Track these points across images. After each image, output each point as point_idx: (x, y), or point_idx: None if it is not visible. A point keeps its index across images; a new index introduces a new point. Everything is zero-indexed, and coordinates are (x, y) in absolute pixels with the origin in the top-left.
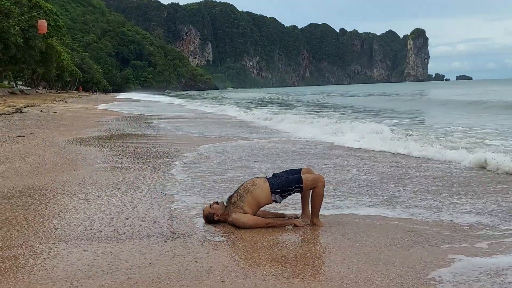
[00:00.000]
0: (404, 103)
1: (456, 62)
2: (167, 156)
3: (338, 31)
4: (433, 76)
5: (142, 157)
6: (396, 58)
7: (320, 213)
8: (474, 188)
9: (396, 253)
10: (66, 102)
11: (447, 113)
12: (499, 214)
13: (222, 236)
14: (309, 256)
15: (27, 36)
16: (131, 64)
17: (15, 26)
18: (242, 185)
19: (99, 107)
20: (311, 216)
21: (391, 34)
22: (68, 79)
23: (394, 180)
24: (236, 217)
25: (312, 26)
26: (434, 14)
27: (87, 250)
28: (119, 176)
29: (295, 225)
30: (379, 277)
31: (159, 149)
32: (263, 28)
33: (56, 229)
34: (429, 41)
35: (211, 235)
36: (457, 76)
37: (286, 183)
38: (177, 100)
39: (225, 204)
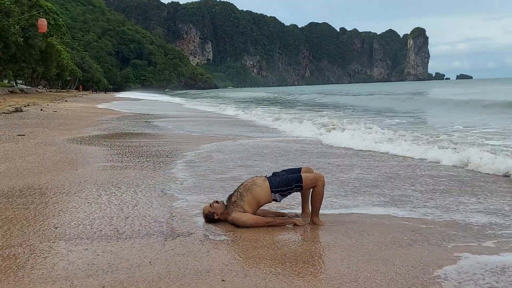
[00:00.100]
0: (405, 103)
1: (456, 61)
2: (167, 155)
3: (338, 30)
4: (433, 75)
5: (142, 156)
6: (396, 57)
7: (327, 212)
8: (483, 187)
9: (397, 252)
10: (66, 101)
11: (448, 113)
12: (510, 214)
13: (222, 235)
14: (309, 255)
15: (27, 35)
16: (131, 63)
17: (15, 25)
18: (242, 184)
19: (99, 106)
20: (311, 215)
21: (391, 33)
22: (68, 78)
23: (400, 180)
24: (236, 216)
25: (312, 25)
26: (434, 13)
27: (87, 249)
28: (119, 175)
29: (295, 224)
30: (379, 276)
31: (160, 148)
32: (263, 27)
33: (56, 228)
34: (429, 40)
35: (211, 234)
36: (457, 75)
37: (286, 182)
38: (177, 99)
39: (225, 203)
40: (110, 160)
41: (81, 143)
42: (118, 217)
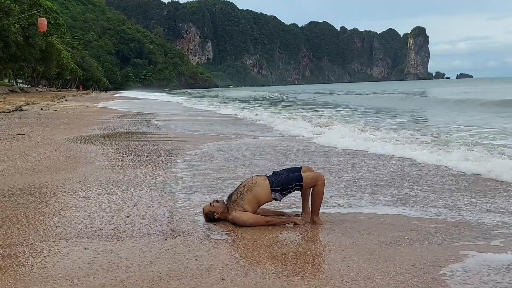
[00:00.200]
0: (406, 102)
1: (457, 60)
2: (167, 155)
3: (338, 29)
4: (433, 75)
5: (143, 155)
6: (397, 56)
7: (335, 211)
8: (491, 187)
9: (396, 251)
10: (66, 100)
11: (451, 112)
12: None
13: (222, 234)
14: (309, 254)
15: (27, 34)
16: (131, 62)
17: (15, 24)
18: (242, 183)
19: (100, 105)
20: (311, 214)
21: (391, 32)
22: (68, 77)
23: (406, 179)
24: (236, 215)
25: (312, 24)
26: (435, 13)
27: (87, 248)
28: (120, 174)
29: (295, 223)
30: (379, 275)
31: (161, 147)
32: (263, 26)
33: (56, 227)
34: (430, 39)
35: (211, 233)
36: (457, 75)
37: (286, 181)
38: (176, 99)
39: (225, 202)
40: (110, 159)
41: (81, 142)
42: (118, 216)
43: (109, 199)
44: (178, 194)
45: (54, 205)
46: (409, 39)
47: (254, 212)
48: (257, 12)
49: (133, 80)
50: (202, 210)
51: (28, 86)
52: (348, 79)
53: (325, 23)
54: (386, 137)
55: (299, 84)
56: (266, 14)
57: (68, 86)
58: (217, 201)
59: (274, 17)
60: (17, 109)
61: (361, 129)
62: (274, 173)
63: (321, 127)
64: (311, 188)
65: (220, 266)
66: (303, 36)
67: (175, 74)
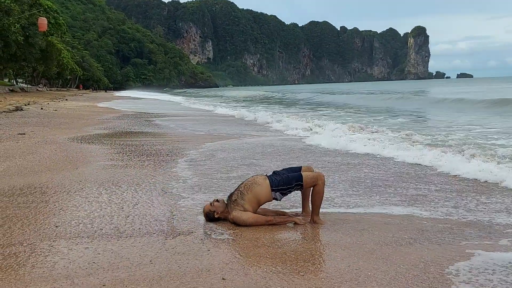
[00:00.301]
0: (407, 102)
1: (457, 60)
2: (167, 154)
3: (338, 29)
4: (433, 74)
5: (143, 155)
6: (397, 56)
7: (343, 211)
8: (500, 187)
9: (397, 251)
10: (66, 100)
11: (451, 112)
12: None
13: (222, 233)
14: (309, 254)
15: (27, 33)
16: (131, 62)
17: (16, 24)
18: (242, 183)
19: (100, 104)
20: (312, 213)
21: (391, 31)
22: (68, 77)
23: (412, 179)
24: (236, 214)
25: (312, 23)
26: (435, 12)
27: (87, 247)
28: (120, 174)
29: (295, 223)
30: (379, 274)
31: (162, 147)
32: (264, 26)
33: (56, 226)
34: (430, 39)
35: (211, 233)
36: (457, 74)
37: (286, 180)
38: (176, 98)
39: (226, 202)
40: (110, 159)
41: (81, 142)
42: (119, 216)
43: (110, 198)
44: (178, 193)
45: (55, 205)
46: (409, 39)
47: (255, 212)
48: (257, 12)
49: (133, 80)
50: (202, 210)
51: (28, 86)
52: (348, 79)
53: (325, 22)
54: (387, 138)
55: (300, 83)
56: (266, 14)
57: (68, 85)
58: (217, 200)
59: (275, 16)
60: (17, 109)
61: (361, 128)
62: (274, 172)
63: (320, 127)
64: (311, 188)
65: (221, 266)
66: (303, 35)
67: (175, 73)
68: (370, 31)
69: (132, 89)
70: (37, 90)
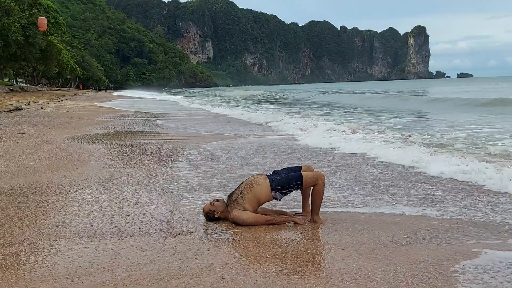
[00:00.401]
0: (408, 102)
1: (457, 59)
2: (167, 154)
3: (338, 29)
4: (433, 74)
5: (143, 155)
6: (397, 55)
7: (351, 210)
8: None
9: (397, 250)
10: (66, 99)
11: (455, 112)
12: None
13: (222, 233)
14: (309, 253)
15: (27, 33)
16: (131, 62)
17: (16, 24)
18: (242, 183)
19: (100, 104)
20: (312, 213)
21: (391, 31)
22: (68, 77)
23: (418, 178)
24: (236, 214)
25: (312, 23)
26: (435, 12)
27: (88, 247)
28: (120, 174)
29: (295, 223)
30: (379, 274)
31: (163, 147)
32: (264, 26)
33: (57, 226)
34: (430, 38)
35: (211, 233)
36: (457, 74)
37: (286, 180)
38: (175, 98)
39: (226, 202)
40: (110, 159)
41: (81, 142)
42: (119, 216)
43: (110, 198)
44: (179, 193)
45: (55, 204)
46: (409, 38)
47: (255, 211)
48: (257, 11)
49: (133, 80)
50: (202, 209)
51: (28, 85)
52: (348, 78)
53: (326, 22)
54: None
55: (300, 83)
56: (266, 13)
57: (68, 85)
58: (217, 200)
59: (275, 16)
60: (18, 109)
61: (359, 129)
62: (274, 172)
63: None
64: (311, 188)
65: (221, 265)
66: (303, 35)
67: (175, 73)
68: (370, 30)
69: (132, 88)
70: (37, 89)
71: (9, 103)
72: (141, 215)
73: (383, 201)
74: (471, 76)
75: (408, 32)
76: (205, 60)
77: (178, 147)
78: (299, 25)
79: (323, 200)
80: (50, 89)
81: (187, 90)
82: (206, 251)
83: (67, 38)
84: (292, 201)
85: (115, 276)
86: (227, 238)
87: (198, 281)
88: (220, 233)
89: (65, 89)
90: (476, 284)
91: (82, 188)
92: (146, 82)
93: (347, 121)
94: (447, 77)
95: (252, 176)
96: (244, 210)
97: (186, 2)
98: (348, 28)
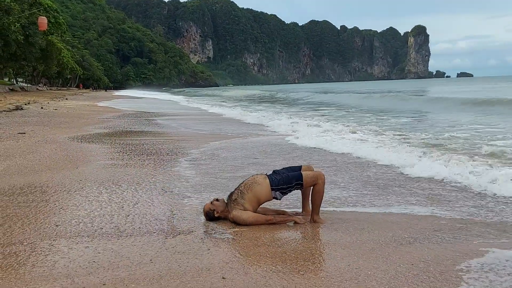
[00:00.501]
0: (409, 102)
1: (457, 59)
2: (167, 153)
3: (338, 28)
4: (433, 73)
5: (143, 154)
6: (397, 55)
7: (361, 210)
8: None
9: (397, 250)
10: (66, 99)
11: (455, 112)
12: None
13: (222, 233)
14: (309, 253)
15: (27, 33)
16: (131, 61)
17: (16, 23)
18: (243, 182)
19: (100, 104)
20: (312, 213)
21: (392, 31)
22: (68, 76)
23: (424, 178)
24: (236, 214)
25: (312, 23)
26: (435, 11)
27: (88, 247)
28: (120, 173)
29: (295, 222)
30: (379, 273)
31: (161, 146)
32: (264, 25)
33: (57, 226)
34: (430, 38)
35: (211, 232)
36: (457, 73)
37: (286, 180)
38: (175, 97)
39: (226, 201)
40: (111, 158)
41: (81, 141)
42: (119, 215)
43: (110, 198)
44: (178, 192)
45: (55, 204)
46: (409, 38)
47: (255, 211)
48: (257, 11)
49: (134, 79)
50: (202, 209)
51: (29, 85)
52: (348, 78)
53: (326, 21)
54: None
55: (300, 83)
56: (266, 13)
57: (68, 85)
58: (217, 199)
59: (275, 15)
60: (18, 108)
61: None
62: (274, 172)
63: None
64: (312, 187)
65: (221, 265)
66: (303, 34)
67: (175, 73)
68: (370, 30)
69: (132, 88)
70: (37, 89)
71: (9, 102)
72: (141, 214)
73: (389, 200)
74: (471, 75)
75: (408, 32)
76: (205, 59)
77: (178, 146)
78: (299, 24)
79: (323, 199)
80: (50, 89)
81: (187, 89)
82: (206, 251)
83: (67, 38)
84: (296, 201)
85: (115, 276)
86: (227, 237)
87: (198, 280)
88: (220, 232)
89: (65, 88)
90: (481, 282)
91: (82, 187)
92: (146, 82)
93: (348, 121)
94: (447, 76)
95: (252, 176)
96: (244, 210)
97: (186, 2)
98: (348, 27)
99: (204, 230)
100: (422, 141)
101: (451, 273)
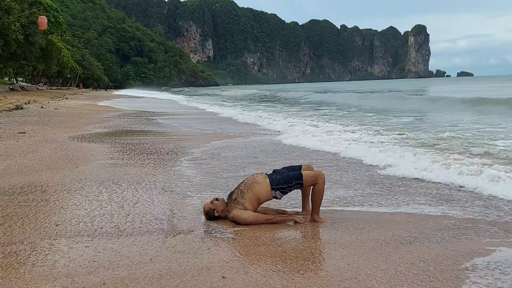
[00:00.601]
0: (410, 101)
1: (457, 58)
2: (167, 153)
3: (339, 27)
4: (434, 73)
5: (144, 153)
6: (397, 54)
7: (375, 210)
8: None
9: (397, 249)
10: (66, 98)
11: (456, 112)
12: None
13: (222, 232)
14: (309, 252)
15: (27, 32)
16: (131, 61)
17: (16, 23)
18: (243, 182)
19: (100, 103)
20: (312, 212)
21: (392, 30)
22: (68, 76)
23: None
24: (236, 213)
25: (312, 22)
26: (435, 11)
27: (88, 246)
28: (120, 173)
29: (295, 222)
30: (379, 273)
31: (161, 146)
32: (264, 25)
33: (57, 225)
34: (430, 37)
35: (211, 231)
36: (458, 73)
37: (286, 179)
38: (174, 97)
39: (226, 201)
40: (111, 158)
41: (82, 141)
42: (119, 215)
43: (110, 197)
44: (179, 192)
45: (55, 203)
46: (409, 37)
47: (255, 210)
48: (257, 10)
49: (134, 79)
50: (202, 208)
51: (29, 85)
52: (348, 77)
53: (326, 21)
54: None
55: (300, 82)
56: (266, 12)
57: (68, 84)
58: (217, 199)
59: (275, 15)
60: (18, 108)
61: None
62: (274, 171)
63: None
64: (312, 187)
65: (221, 264)
66: (303, 34)
67: (175, 72)
68: (371, 29)
69: (132, 87)
70: (37, 88)
71: (9, 102)
72: (141, 214)
73: (397, 200)
74: (472, 75)
75: (408, 31)
76: (205, 59)
77: (178, 146)
78: (299, 24)
79: (323, 198)
80: (50, 88)
81: (186, 89)
82: (206, 250)
83: (67, 37)
84: (296, 200)
85: (115, 275)
86: (227, 237)
87: (198, 280)
88: (220, 232)
89: (65, 88)
90: (486, 280)
91: (82, 187)
92: (146, 81)
93: (348, 120)
94: (447, 76)
95: (252, 175)
96: (244, 209)
97: (186, 1)
98: (349, 27)
99: (204, 229)
100: (422, 140)
101: (455, 271)
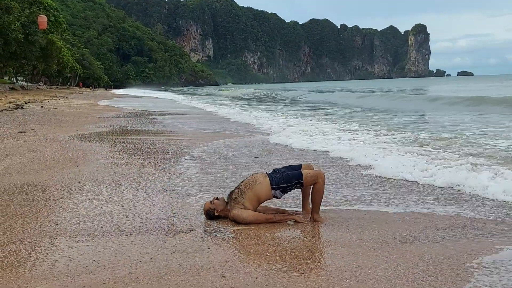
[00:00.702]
0: (411, 101)
1: (457, 58)
2: (167, 152)
3: (339, 27)
4: (434, 72)
5: (143, 153)
6: (397, 53)
7: (385, 210)
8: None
9: (397, 249)
10: (66, 98)
11: (456, 111)
12: None
13: (222, 231)
14: (309, 252)
15: (27, 31)
16: (131, 60)
17: (16, 22)
18: (243, 181)
19: (100, 103)
20: (312, 211)
21: (392, 29)
22: (68, 75)
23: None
24: (236, 212)
25: (313, 21)
26: (435, 10)
27: (88, 245)
28: (121, 172)
29: (295, 221)
30: (379, 272)
31: (161, 145)
32: (264, 24)
33: (57, 224)
34: (430, 36)
35: (212, 231)
36: (458, 72)
37: (286, 178)
38: (174, 96)
39: (226, 200)
40: (111, 157)
41: (82, 140)
42: (119, 214)
43: (110, 196)
44: (179, 191)
45: (55, 203)
46: (409, 37)
47: (255, 210)
48: (257, 10)
49: (134, 78)
50: (202, 208)
51: (29, 84)
52: (348, 77)
53: (326, 20)
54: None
55: (300, 81)
56: (266, 12)
57: (68, 83)
58: (217, 198)
59: (275, 14)
60: (18, 107)
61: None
62: (274, 170)
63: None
64: (312, 186)
65: (221, 264)
66: (303, 33)
67: (175, 71)
68: (371, 29)
69: (132, 87)
70: (37, 88)
71: (9, 101)
72: (141, 213)
73: (407, 200)
74: (472, 74)
75: (409, 31)
76: (205, 58)
77: (178, 145)
78: (300, 23)
79: (323, 197)
80: (50, 88)
81: (186, 88)
82: (206, 249)
83: (67, 37)
84: (296, 200)
85: (116, 274)
86: (227, 236)
87: (198, 279)
88: (221, 231)
89: (65, 87)
90: (491, 277)
91: (83, 186)
92: (146, 81)
93: (348, 120)
94: (447, 75)
95: (252, 175)
96: (244, 209)
97: (186, 0)
98: (349, 26)
99: (204, 228)
100: (421, 140)
101: (455, 271)
